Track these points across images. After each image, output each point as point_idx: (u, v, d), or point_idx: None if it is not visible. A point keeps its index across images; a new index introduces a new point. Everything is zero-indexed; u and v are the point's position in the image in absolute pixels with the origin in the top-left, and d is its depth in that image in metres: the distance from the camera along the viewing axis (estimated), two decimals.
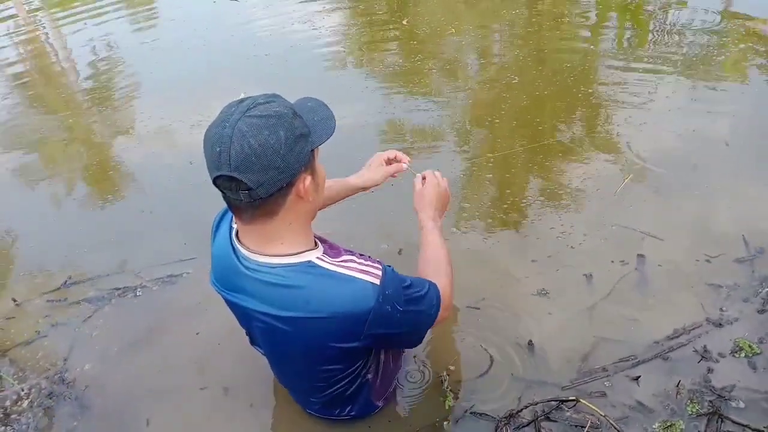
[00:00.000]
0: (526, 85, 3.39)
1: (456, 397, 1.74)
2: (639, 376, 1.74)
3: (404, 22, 4.50)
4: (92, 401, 1.87)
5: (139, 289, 2.26)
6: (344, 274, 1.23)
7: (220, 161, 1.09)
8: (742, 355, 1.78)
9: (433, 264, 1.55)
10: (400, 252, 2.26)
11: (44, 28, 5.60)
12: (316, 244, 1.31)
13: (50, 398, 1.87)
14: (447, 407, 1.71)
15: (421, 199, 1.69)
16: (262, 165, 1.09)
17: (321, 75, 3.85)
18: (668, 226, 2.29)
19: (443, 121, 3.18)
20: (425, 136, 3.08)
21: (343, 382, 1.46)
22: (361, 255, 1.33)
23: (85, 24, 5.36)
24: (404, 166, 1.76)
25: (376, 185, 1.79)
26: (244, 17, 5.03)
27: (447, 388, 1.75)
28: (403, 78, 3.68)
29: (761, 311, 1.91)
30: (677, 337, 1.86)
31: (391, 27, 4.51)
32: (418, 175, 1.74)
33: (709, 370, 1.75)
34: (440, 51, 4.05)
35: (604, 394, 1.71)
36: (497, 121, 3.10)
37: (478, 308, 2.02)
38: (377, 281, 1.23)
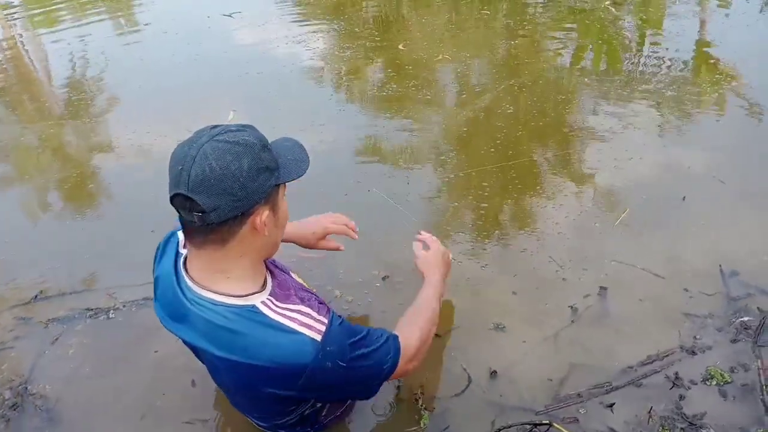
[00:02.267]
0: (516, 115, 3.43)
1: (431, 416, 1.73)
2: (613, 403, 1.74)
3: (400, 47, 4.54)
4: (61, 415, 1.82)
5: (112, 311, 2.19)
6: (285, 325, 1.19)
7: (180, 180, 1.08)
8: (714, 383, 1.79)
9: (412, 314, 1.56)
10: (384, 278, 2.25)
11: (23, 37, 5.58)
12: (265, 283, 1.28)
13: (14, 409, 1.82)
14: (422, 425, 1.70)
15: (427, 263, 1.77)
16: (219, 189, 1.08)
17: (313, 95, 3.86)
18: (644, 256, 2.30)
19: (429, 146, 3.20)
20: (410, 158, 3.10)
21: (290, 416, 1.44)
22: (312, 299, 1.30)
23: (82, 39, 5.36)
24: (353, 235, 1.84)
25: (307, 246, 1.84)
26: (238, 34, 5.04)
27: (422, 406, 1.74)
28: (395, 102, 3.70)
29: (734, 341, 1.93)
30: (650, 363, 1.87)
31: (386, 50, 4.54)
32: (419, 238, 1.83)
33: (681, 397, 1.76)
34: (434, 76, 4.08)
35: (576, 420, 1.70)
36: (462, 142, 3.13)
37: (453, 329, 2.01)
38: (318, 337, 1.19)
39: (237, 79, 4.14)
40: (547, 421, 1.68)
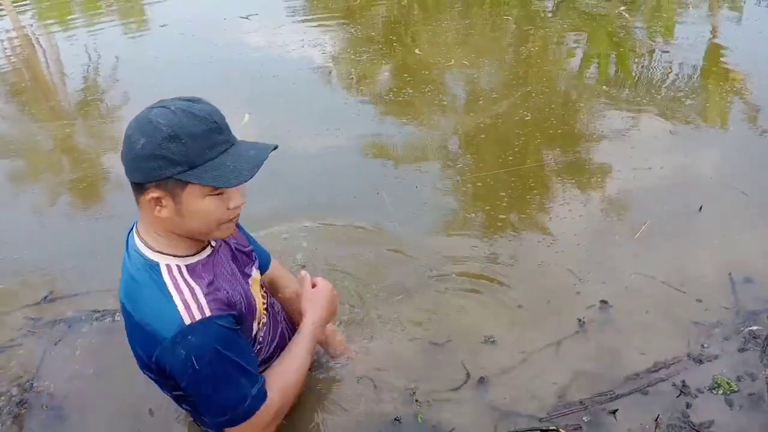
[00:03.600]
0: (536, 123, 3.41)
1: (434, 421, 1.72)
2: (617, 410, 1.72)
3: (416, 51, 4.54)
4: (66, 413, 1.83)
5: (117, 314, 2.18)
6: (169, 291, 1.21)
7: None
8: (720, 392, 1.77)
9: (280, 373, 1.41)
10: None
11: (36, 35, 5.64)
12: (192, 256, 1.29)
13: (21, 406, 1.84)
14: (420, 420, 1.71)
15: (310, 303, 1.55)
16: (124, 152, 1.18)
17: (328, 99, 3.87)
18: (655, 264, 2.28)
19: (444, 152, 3.20)
20: (425, 163, 3.09)
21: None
22: (226, 294, 1.28)
23: (96, 39, 5.43)
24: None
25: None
26: (254, 37, 5.05)
27: (416, 400, 1.76)
28: (411, 107, 3.69)
29: (741, 350, 1.91)
30: (657, 371, 1.85)
31: (402, 55, 4.53)
32: (307, 276, 1.60)
33: (687, 405, 1.74)
34: (449, 82, 4.07)
35: (579, 427, 1.69)
36: (477, 146, 3.13)
37: (450, 341, 2.00)
38: (188, 321, 1.18)
39: (252, 81, 4.16)
40: (554, 427, 1.67)
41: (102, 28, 5.69)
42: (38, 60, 5.10)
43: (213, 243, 1.38)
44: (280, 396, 1.36)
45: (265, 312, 1.52)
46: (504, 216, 2.61)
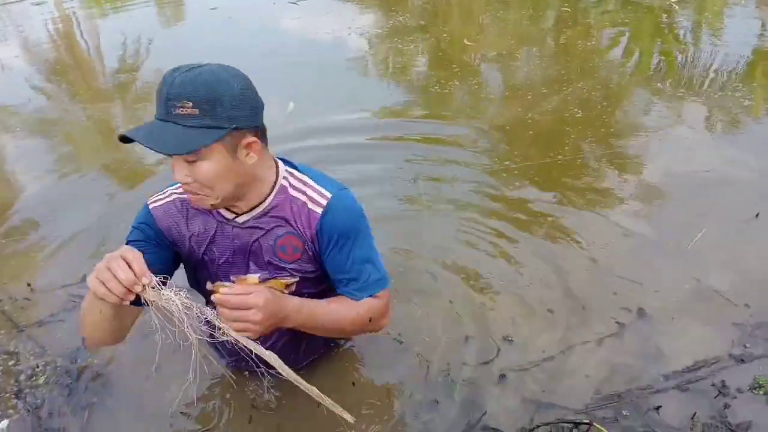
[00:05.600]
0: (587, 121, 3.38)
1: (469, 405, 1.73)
2: (660, 406, 1.71)
3: (465, 42, 4.51)
4: (112, 380, 1.87)
5: None
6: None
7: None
8: (762, 392, 1.75)
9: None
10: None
11: (76, 15, 5.71)
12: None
13: (67, 375, 1.88)
14: (456, 397, 1.74)
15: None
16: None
17: (373, 87, 3.87)
18: (703, 269, 2.24)
19: (491, 146, 3.18)
20: (470, 157, 3.07)
21: None
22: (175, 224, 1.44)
23: (143, 21, 5.48)
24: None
25: None
26: (301, 22, 5.04)
27: (451, 380, 1.78)
28: (457, 98, 3.67)
29: None
30: (697, 369, 1.83)
31: (451, 45, 4.51)
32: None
33: (726, 405, 1.72)
34: (498, 74, 4.04)
35: (616, 420, 1.68)
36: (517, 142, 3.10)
37: (510, 338, 2.00)
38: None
39: (297, 66, 4.15)
40: (587, 421, 1.66)
41: (147, 11, 5.74)
42: (79, 42, 5.17)
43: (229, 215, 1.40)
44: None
45: None
46: (549, 214, 2.59)
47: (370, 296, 1.46)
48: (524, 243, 2.41)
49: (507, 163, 2.97)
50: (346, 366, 1.85)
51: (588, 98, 3.55)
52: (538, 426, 1.65)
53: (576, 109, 3.42)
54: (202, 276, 1.51)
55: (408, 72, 4.09)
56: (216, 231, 1.42)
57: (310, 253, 1.43)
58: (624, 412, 1.71)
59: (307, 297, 1.43)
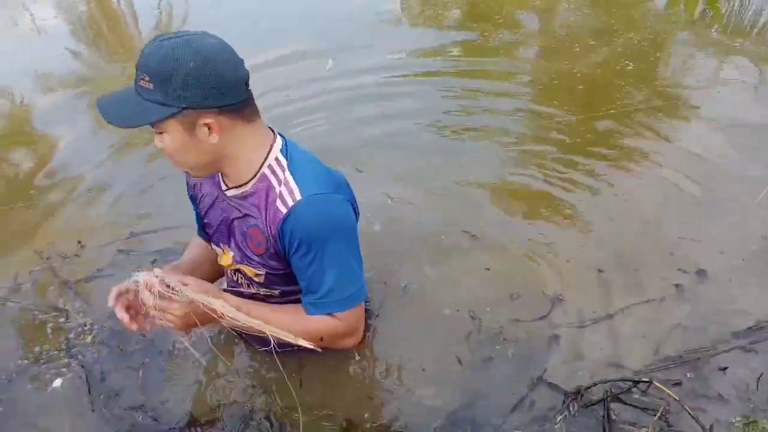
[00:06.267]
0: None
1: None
2: (726, 367, 1.65)
3: None
4: (158, 343, 1.85)
5: None
6: None
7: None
8: None
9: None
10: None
11: None
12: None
13: (116, 335, 1.88)
14: (510, 353, 1.71)
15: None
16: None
17: (411, 41, 3.76)
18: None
19: (540, 101, 3.07)
20: (520, 113, 2.97)
21: None
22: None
23: None
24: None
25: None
26: None
27: (502, 335, 1.75)
28: (502, 51, 3.55)
29: None
30: (760, 329, 1.74)
31: None
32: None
33: None
34: (542, 24, 3.89)
35: (679, 383, 1.62)
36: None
37: (560, 297, 1.93)
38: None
39: (335, 25, 4.05)
40: (647, 379, 1.59)
41: None
42: (114, 1, 5.13)
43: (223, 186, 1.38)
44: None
45: None
46: (600, 171, 2.49)
47: (328, 314, 1.36)
48: (574, 200, 2.32)
49: (556, 118, 2.85)
50: (393, 327, 1.82)
51: (639, 49, 3.38)
52: (596, 384, 1.60)
53: (627, 61, 3.26)
54: (210, 235, 1.53)
55: (449, 22, 3.96)
56: (216, 198, 1.42)
57: (272, 251, 1.35)
58: (688, 374, 1.64)
59: (277, 291, 1.39)
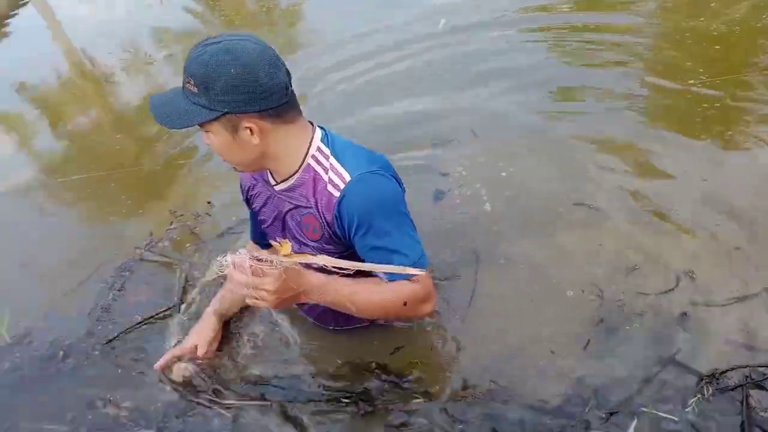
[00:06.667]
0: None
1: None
2: None
3: None
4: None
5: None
6: None
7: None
8: None
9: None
10: None
11: None
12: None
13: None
14: (636, 328, 1.67)
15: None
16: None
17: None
18: None
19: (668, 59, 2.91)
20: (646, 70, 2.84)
21: None
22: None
23: None
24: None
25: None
26: None
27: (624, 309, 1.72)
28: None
29: None
30: None
31: None
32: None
33: None
34: None
35: None
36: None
37: (691, 273, 1.83)
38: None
39: None
40: None
41: None
42: None
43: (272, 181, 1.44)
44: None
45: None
46: (742, 142, 2.31)
47: (406, 279, 1.35)
48: (711, 171, 2.18)
49: (690, 81, 2.67)
50: (516, 291, 1.83)
51: None
52: (733, 368, 1.52)
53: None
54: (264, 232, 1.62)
55: None
56: (269, 195, 1.49)
57: (328, 236, 1.40)
58: None
59: (336, 276, 1.34)
